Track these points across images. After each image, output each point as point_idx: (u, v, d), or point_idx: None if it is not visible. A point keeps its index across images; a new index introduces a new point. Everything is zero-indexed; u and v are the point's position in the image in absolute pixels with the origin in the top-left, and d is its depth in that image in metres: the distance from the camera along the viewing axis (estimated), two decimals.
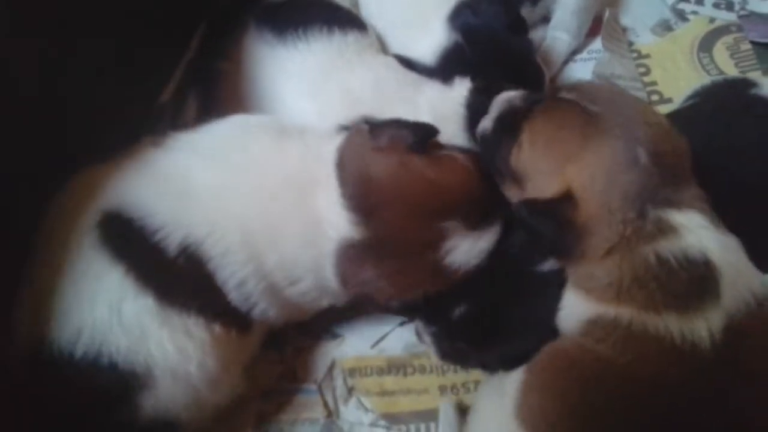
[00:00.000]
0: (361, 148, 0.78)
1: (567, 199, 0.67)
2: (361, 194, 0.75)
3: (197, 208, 0.75)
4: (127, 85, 0.95)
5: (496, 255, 0.79)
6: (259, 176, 0.78)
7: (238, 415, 0.85)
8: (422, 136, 0.78)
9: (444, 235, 0.75)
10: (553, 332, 0.74)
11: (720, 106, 0.96)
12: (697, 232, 0.65)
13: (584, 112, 0.70)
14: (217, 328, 0.75)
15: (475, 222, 0.77)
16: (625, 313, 0.65)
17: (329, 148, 0.80)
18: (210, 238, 0.74)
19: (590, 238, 0.67)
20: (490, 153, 0.79)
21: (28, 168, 0.78)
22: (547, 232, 0.68)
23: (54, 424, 0.73)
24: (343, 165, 0.78)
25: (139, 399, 0.72)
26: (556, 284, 0.74)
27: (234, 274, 0.75)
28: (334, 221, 0.75)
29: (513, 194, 0.78)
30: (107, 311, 0.71)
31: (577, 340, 0.69)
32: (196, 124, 1.02)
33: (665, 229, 0.64)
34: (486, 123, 0.83)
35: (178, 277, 0.73)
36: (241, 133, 0.84)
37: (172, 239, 0.73)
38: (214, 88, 1.03)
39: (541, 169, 0.72)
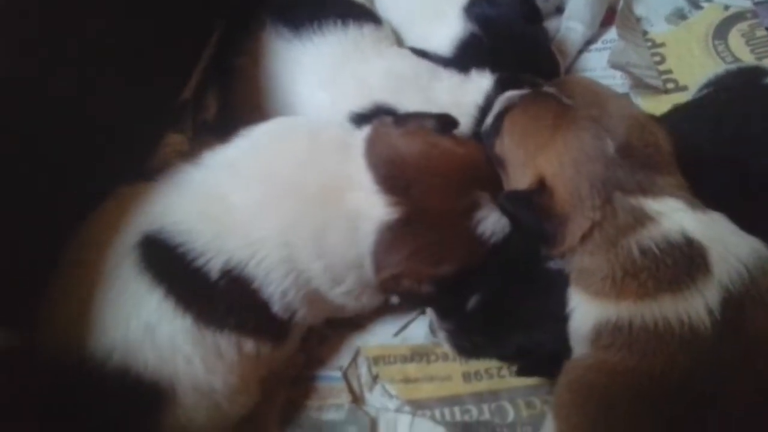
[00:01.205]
0: (389, 135, 0.82)
1: (542, 187, 0.70)
2: (395, 174, 0.78)
3: (238, 231, 0.77)
4: (150, 84, 0.96)
5: (507, 249, 0.80)
6: (299, 191, 0.79)
7: (266, 401, 0.86)
8: (445, 124, 0.82)
9: (476, 205, 0.78)
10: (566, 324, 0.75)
11: (733, 95, 0.97)
12: (673, 216, 0.67)
13: (558, 104, 0.73)
14: (249, 344, 0.77)
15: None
16: (624, 311, 0.66)
17: (354, 143, 0.82)
18: (253, 259, 0.76)
19: (567, 225, 0.69)
20: (488, 146, 0.82)
21: (53, 163, 0.80)
22: (528, 221, 0.72)
23: None
24: (372, 153, 0.80)
25: (161, 414, 0.73)
26: (564, 279, 0.75)
27: (278, 288, 0.77)
28: (371, 211, 0.77)
29: (503, 176, 0.81)
30: (142, 331, 0.72)
31: (588, 357, 0.70)
32: (217, 119, 1.06)
33: (642, 219, 0.67)
34: (488, 119, 0.86)
35: (217, 298, 0.75)
36: (273, 147, 0.85)
37: (214, 264, 0.75)
38: (232, 84, 1.05)
39: (517, 158, 0.75)
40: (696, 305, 0.63)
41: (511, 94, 0.84)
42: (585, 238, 0.68)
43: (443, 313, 0.87)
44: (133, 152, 0.96)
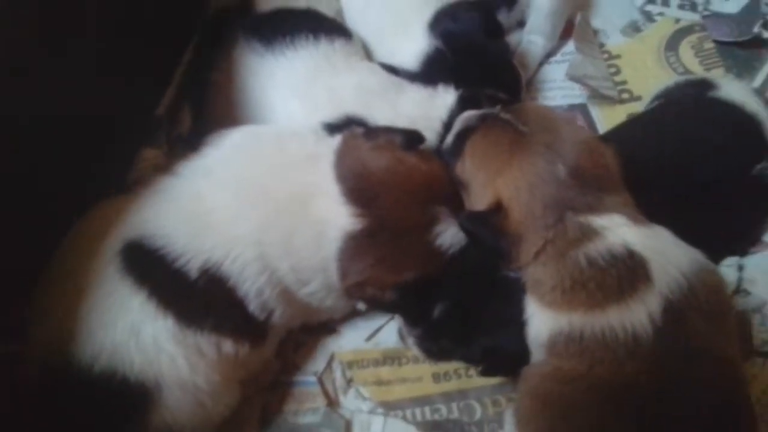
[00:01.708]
0: (358, 149, 0.86)
1: (498, 209, 0.75)
2: (362, 187, 0.83)
3: (214, 232, 0.81)
4: (125, 101, 0.99)
5: (468, 260, 0.85)
6: (269, 194, 0.84)
7: (244, 407, 0.90)
8: (412, 139, 0.87)
9: (435, 219, 0.83)
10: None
11: (680, 108, 1.03)
12: (617, 231, 0.71)
13: (515, 131, 0.78)
14: (228, 344, 0.81)
15: (460, 209, 0.84)
16: (576, 321, 0.71)
17: (324, 153, 0.86)
18: (228, 258, 0.80)
19: (521, 243, 0.74)
20: (450, 166, 0.87)
21: (32, 184, 0.83)
22: (486, 239, 0.77)
23: None
24: (341, 165, 0.85)
25: (147, 414, 0.77)
26: (520, 286, 0.80)
27: (252, 285, 0.82)
28: (336, 220, 0.82)
29: (464, 196, 0.85)
30: (127, 333, 0.76)
31: (545, 364, 0.75)
32: (191, 134, 1.08)
33: (589, 233, 0.72)
34: (448, 139, 0.91)
35: (197, 298, 0.79)
36: (243, 154, 0.89)
37: (193, 264, 0.79)
38: (207, 99, 1.08)
39: (477, 180, 0.80)
40: (638, 314, 0.68)
41: (468, 114, 0.89)
42: (538, 254, 0.73)
43: (411, 321, 0.91)
44: (112, 166, 0.98)
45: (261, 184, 0.85)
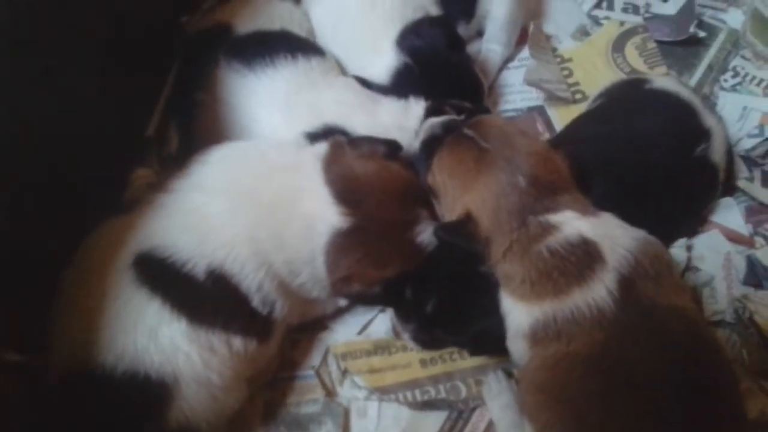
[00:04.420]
0: (344, 156, 0.96)
1: (468, 220, 0.86)
2: (350, 189, 0.93)
3: (213, 236, 0.89)
4: (116, 124, 1.05)
5: (451, 259, 0.94)
6: (256, 196, 0.93)
7: (248, 404, 0.97)
8: (392, 149, 0.97)
9: (416, 219, 0.94)
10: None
11: (625, 102, 1.14)
12: (571, 223, 0.82)
13: (478, 148, 0.88)
14: (238, 341, 0.89)
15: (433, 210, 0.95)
16: (548, 309, 0.80)
17: (310, 160, 0.96)
18: (229, 257, 0.88)
19: (491, 245, 0.85)
20: (421, 175, 0.98)
21: (34, 203, 0.89)
22: (460, 245, 0.87)
23: None
24: (329, 170, 0.94)
25: (166, 410, 0.84)
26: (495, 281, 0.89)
27: (253, 280, 0.90)
28: (325, 217, 0.92)
29: (435, 203, 0.96)
30: (146, 336, 0.84)
31: (533, 358, 0.82)
32: (179, 153, 1.15)
33: (548, 229, 0.82)
34: (414, 144, 1.01)
35: (206, 298, 0.87)
36: (229, 165, 0.98)
37: (199, 268, 0.87)
38: (193, 119, 1.15)
39: (447, 194, 0.91)
40: (599, 290, 0.78)
41: (432, 122, 0.99)
42: (506, 253, 0.83)
43: (405, 317, 1.00)
44: (106, 186, 1.05)
45: (248, 189, 0.94)
